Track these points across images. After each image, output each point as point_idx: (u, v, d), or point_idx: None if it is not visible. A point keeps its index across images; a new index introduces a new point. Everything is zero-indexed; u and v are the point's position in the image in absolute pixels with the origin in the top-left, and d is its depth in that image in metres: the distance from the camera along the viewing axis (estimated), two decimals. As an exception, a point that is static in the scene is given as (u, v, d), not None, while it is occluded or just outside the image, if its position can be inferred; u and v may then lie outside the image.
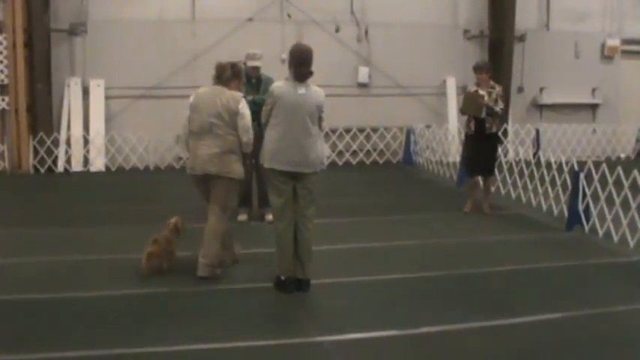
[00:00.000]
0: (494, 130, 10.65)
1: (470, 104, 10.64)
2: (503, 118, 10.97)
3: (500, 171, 12.15)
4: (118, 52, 15.88)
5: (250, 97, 9.62)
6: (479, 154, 10.67)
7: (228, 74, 7.27)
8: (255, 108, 9.48)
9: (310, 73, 6.83)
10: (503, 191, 12.01)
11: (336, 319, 6.18)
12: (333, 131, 16.55)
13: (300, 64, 6.77)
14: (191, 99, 7.38)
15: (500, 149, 11.48)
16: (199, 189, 7.44)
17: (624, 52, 19.20)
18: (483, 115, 10.43)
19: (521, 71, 18.16)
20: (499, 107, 10.52)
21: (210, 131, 7.09)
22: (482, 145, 10.61)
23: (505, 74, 17.56)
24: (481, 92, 10.53)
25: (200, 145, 7.15)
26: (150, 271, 7.26)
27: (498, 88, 10.77)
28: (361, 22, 17.36)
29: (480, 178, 11.07)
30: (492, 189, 11.22)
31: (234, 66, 7.38)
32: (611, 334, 5.86)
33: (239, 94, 7.22)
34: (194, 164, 7.22)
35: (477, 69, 10.85)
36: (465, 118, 10.97)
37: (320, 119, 6.86)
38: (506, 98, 12.42)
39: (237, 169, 7.16)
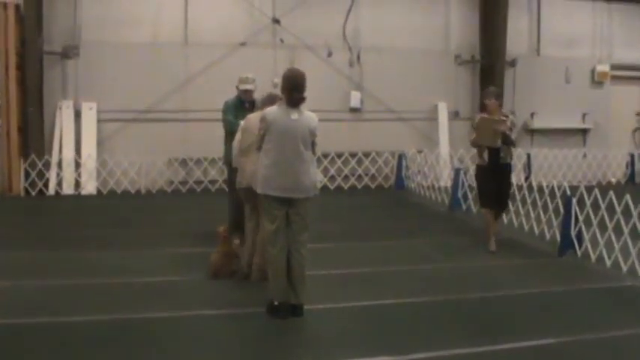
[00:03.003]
0: (508, 160, 9.82)
1: (486, 133, 9.64)
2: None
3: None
4: (111, 75, 15.88)
5: (242, 121, 9.67)
6: (493, 187, 9.79)
7: (279, 101, 7.66)
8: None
9: (303, 99, 6.85)
10: (495, 216, 12.02)
11: (329, 344, 6.14)
12: (325, 156, 16.55)
13: (293, 89, 6.79)
14: (242, 123, 8.15)
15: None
16: (248, 203, 7.96)
17: (614, 78, 19.38)
18: (499, 144, 9.59)
19: (512, 96, 18.25)
20: (514, 136, 9.84)
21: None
22: (496, 177, 9.75)
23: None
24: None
25: (247, 162, 7.67)
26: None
27: (511, 116, 10.11)
28: (353, 47, 17.46)
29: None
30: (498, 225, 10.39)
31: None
32: (605, 359, 5.84)
33: None
34: (241, 178, 7.86)
35: (486, 95, 10.03)
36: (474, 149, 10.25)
37: (313, 144, 6.87)
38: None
39: None
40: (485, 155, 9.75)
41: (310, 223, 6.95)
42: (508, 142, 9.63)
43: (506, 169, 9.88)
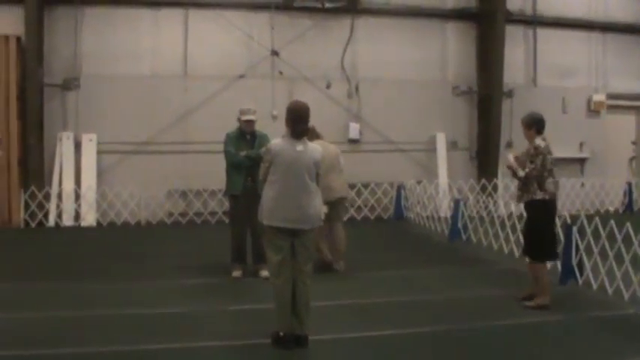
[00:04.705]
0: (523, 199, 8.51)
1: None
2: (535, 183, 8.47)
3: (492, 225, 12.21)
4: (111, 107, 15.97)
5: (244, 153, 9.74)
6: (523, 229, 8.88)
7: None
8: (250, 163, 9.63)
9: (307, 131, 6.96)
10: (495, 246, 12.04)
11: (335, 375, 6.14)
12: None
13: (298, 121, 6.88)
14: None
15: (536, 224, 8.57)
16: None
17: (610, 107, 19.49)
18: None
19: (509, 126, 18.25)
20: (522, 171, 8.39)
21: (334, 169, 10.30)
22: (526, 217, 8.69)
23: (494, 129, 17.79)
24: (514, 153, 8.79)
25: (330, 181, 9.99)
26: None
27: (529, 147, 8.57)
28: (352, 79, 17.56)
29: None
30: (544, 278, 8.58)
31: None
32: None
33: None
34: (328, 194, 9.33)
35: (521, 122, 8.85)
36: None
37: (318, 175, 6.99)
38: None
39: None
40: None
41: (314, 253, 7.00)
42: (518, 179, 8.50)
43: (526, 210, 8.59)
